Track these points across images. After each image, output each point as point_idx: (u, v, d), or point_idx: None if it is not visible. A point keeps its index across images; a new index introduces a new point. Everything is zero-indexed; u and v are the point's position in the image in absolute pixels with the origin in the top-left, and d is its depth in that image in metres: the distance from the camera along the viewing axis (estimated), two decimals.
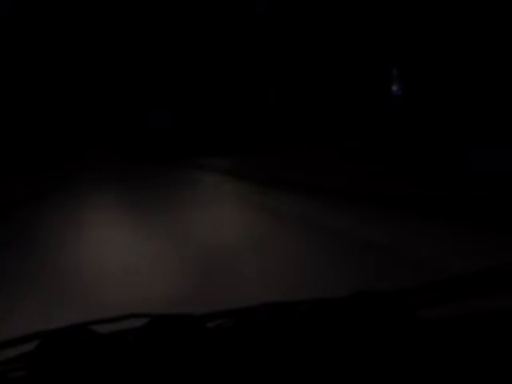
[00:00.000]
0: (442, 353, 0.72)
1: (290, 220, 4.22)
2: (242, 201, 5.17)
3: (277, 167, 7.09)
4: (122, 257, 3.47)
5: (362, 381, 0.70)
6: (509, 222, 2.98)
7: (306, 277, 2.63)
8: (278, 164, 7.35)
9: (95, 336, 0.79)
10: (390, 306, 0.79)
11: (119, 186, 8.71)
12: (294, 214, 4.39)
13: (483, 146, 4.95)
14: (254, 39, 5.20)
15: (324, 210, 4.35)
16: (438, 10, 6.27)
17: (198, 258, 3.26)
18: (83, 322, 0.82)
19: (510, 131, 5.12)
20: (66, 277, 3.11)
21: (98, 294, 2.65)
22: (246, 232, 3.92)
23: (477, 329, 0.76)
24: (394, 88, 6.24)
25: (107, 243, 4.00)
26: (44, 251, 3.92)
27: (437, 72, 6.08)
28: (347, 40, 5.78)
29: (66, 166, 14.03)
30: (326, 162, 6.14)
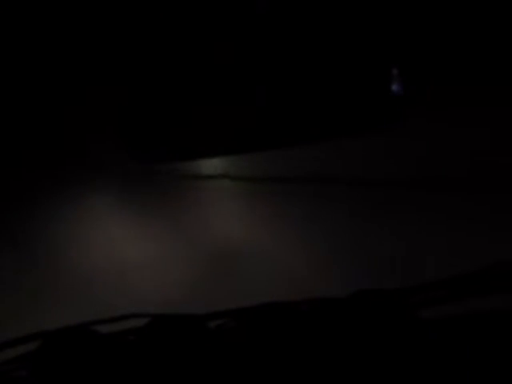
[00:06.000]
0: (441, 353, 0.72)
1: None
2: None
3: None
4: None
5: (362, 381, 0.71)
6: None
7: None
8: None
9: (96, 336, 0.79)
10: (390, 305, 0.79)
11: None
12: None
13: None
14: (250, 38, 5.18)
15: None
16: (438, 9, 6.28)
17: None
18: (84, 322, 0.83)
19: None
20: None
21: None
22: None
23: (477, 329, 0.76)
24: (395, 88, 6.25)
25: None
26: None
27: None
28: (346, 39, 5.81)
29: None
30: None
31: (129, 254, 3.67)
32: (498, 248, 2.59)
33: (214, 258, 3.36)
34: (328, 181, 5.53)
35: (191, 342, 0.76)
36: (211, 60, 5.99)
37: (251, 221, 4.51)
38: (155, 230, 4.52)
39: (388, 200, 4.45)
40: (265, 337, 0.75)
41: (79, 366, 0.74)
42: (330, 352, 0.74)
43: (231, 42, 5.86)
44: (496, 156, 4.47)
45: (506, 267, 0.84)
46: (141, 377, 0.73)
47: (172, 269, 3.15)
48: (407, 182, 4.80)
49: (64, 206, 5.78)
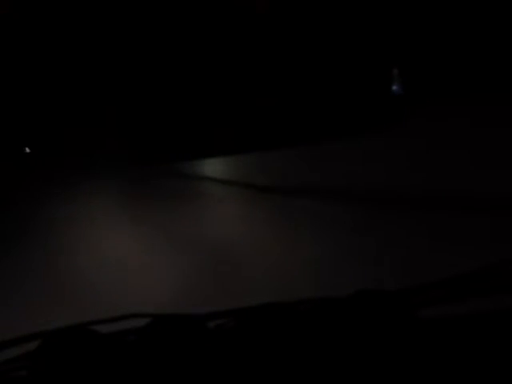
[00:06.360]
0: (442, 353, 0.72)
1: None
2: None
3: None
4: None
5: (362, 380, 0.71)
6: None
7: None
8: None
9: (95, 336, 0.79)
10: (390, 305, 0.79)
11: None
12: None
13: None
14: (252, 39, 5.13)
15: None
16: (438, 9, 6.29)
17: None
18: (83, 322, 0.82)
19: None
20: None
21: None
22: None
23: (477, 329, 0.76)
24: (395, 88, 6.21)
25: None
26: None
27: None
28: (347, 40, 5.79)
29: None
30: None
31: (129, 255, 3.67)
32: (498, 248, 2.58)
33: (214, 257, 3.36)
34: (328, 182, 5.51)
35: (191, 342, 0.76)
36: (212, 61, 5.96)
37: (251, 221, 4.51)
38: (155, 229, 4.51)
39: (388, 201, 4.43)
40: (264, 337, 0.75)
41: (79, 366, 0.73)
42: (330, 351, 0.74)
43: (233, 43, 5.82)
44: (496, 156, 4.45)
45: (506, 267, 0.84)
46: (141, 377, 0.73)
47: (172, 268, 3.15)
48: (407, 182, 4.77)
49: (64, 208, 5.75)
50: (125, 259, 3.45)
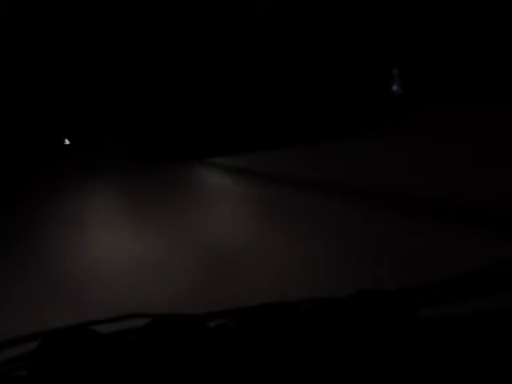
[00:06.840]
0: (442, 353, 0.72)
1: None
2: None
3: None
4: None
5: (362, 381, 0.71)
6: None
7: None
8: None
9: (95, 336, 0.79)
10: (390, 305, 0.79)
11: None
12: None
13: None
14: (252, 39, 5.09)
15: None
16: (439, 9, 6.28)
17: None
18: (83, 322, 0.82)
19: None
20: None
21: None
22: None
23: (477, 329, 0.76)
24: (395, 88, 6.20)
25: None
26: None
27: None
28: (347, 40, 5.76)
29: None
30: None
31: (129, 254, 3.67)
32: (498, 248, 2.58)
33: (214, 256, 3.35)
34: (328, 181, 5.52)
35: (191, 342, 0.76)
36: (213, 62, 5.98)
37: (251, 221, 4.49)
38: (155, 229, 4.50)
39: (388, 201, 4.42)
40: (264, 337, 0.75)
41: (79, 366, 0.73)
42: (330, 351, 0.74)
43: (233, 43, 5.84)
44: (496, 156, 4.44)
45: (506, 267, 0.84)
46: (141, 377, 0.73)
47: (171, 268, 3.15)
48: (407, 182, 4.77)
49: (64, 206, 5.76)
50: (125, 259, 3.45)
